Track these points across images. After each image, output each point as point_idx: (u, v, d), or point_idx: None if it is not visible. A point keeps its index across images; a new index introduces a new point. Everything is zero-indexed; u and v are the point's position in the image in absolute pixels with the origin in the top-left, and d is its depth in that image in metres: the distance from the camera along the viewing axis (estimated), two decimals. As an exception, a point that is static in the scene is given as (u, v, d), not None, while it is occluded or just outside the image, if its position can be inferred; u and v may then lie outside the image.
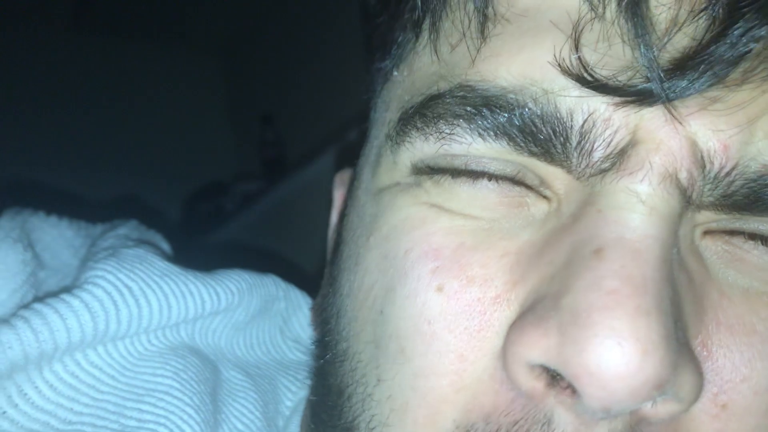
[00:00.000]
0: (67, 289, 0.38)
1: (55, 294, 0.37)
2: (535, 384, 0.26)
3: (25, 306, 0.36)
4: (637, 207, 0.26)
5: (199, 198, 1.91)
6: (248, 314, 0.44)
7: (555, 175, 0.29)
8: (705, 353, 0.27)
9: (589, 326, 0.24)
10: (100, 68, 2.05)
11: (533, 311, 0.26)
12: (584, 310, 0.24)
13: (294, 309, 0.49)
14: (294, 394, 0.46)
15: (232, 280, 0.43)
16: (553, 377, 0.26)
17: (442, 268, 0.29)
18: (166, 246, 0.48)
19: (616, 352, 0.23)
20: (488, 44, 0.30)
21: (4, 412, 0.34)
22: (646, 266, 0.25)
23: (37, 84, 1.91)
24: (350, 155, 0.45)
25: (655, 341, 0.24)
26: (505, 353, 0.27)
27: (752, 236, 0.28)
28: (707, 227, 0.28)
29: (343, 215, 0.40)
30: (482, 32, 0.30)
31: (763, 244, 0.28)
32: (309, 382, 0.43)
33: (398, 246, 0.31)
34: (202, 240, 1.59)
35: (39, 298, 0.38)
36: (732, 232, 0.28)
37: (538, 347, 0.25)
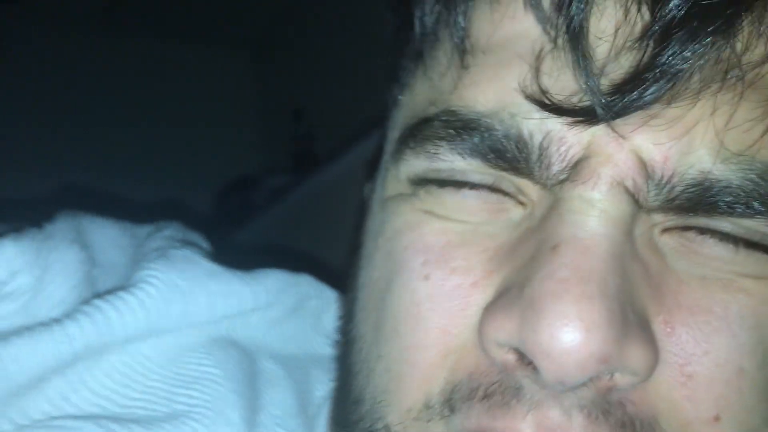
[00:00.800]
0: (121, 287, 0.41)
1: (110, 291, 0.41)
2: (506, 358, 0.30)
3: (85, 301, 0.39)
4: (589, 211, 0.30)
5: (229, 192, 1.94)
6: (284, 311, 0.48)
7: (526, 185, 0.33)
8: (668, 330, 0.30)
9: (541, 311, 0.28)
10: (133, 66, 2.09)
11: (502, 297, 0.31)
12: (539, 297, 0.29)
13: (326, 307, 0.52)
14: (324, 385, 0.48)
15: (271, 279, 0.46)
16: (521, 355, 0.30)
17: (430, 261, 0.34)
18: (207, 245, 0.51)
19: (563, 332, 0.28)
20: (468, 73, 0.34)
21: (67, 398, 0.37)
22: (593, 259, 0.29)
23: (69, 86, 1.96)
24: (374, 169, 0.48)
25: (596, 321, 0.28)
26: (479, 332, 0.31)
27: (702, 231, 0.32)
28: (664, 226, 0.32)
29: (361, 223, 0.44)
30: (462, 62, 0.35)
31: (711, 238, 0.32)
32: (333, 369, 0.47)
33: (398, 245, 0.36)
34: (232, 234, 1.62)
35: (95, 294, 0.41)
36: (685, 228, 0.32)
37: (503, 329, 0.30)
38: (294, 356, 0.49)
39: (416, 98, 0.38)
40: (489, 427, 0.31)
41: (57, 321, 0.38)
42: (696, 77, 0.29)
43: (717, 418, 0.30)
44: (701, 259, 0.32)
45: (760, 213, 0.30)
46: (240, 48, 2.36)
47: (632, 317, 0.29)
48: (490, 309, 0.31)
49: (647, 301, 0.30)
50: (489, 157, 0.33)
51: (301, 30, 2.09)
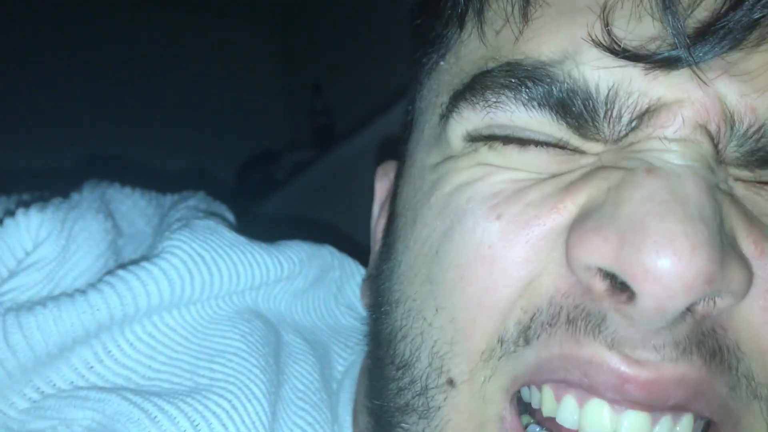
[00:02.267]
0: (145, 257, 0.41)
1: (134, 261, 0.41)
2: (594, 282, 0.29)
3: (109, 271, 0.40)
4: (672, 147, 0.30)
5: (250, 167, 1.95)
6: (306, 282, 0.48)
7: (591, 146, 0.32)
8: (757, 252, 0.30)
9: (645, 230, 0.27)
10: (159, 39, 2.09)
11: (591, 218, 0.29)
12: (641, 218, 0.28)
13: (347, 277, 0.52)
14: (345, 360, 0.49)
15: (294, 250, 0.46)
16: (611, 283, 0.29)
17: (502, 203, 0.32)
18: (230, 216, 0.51)
19: (669, 251, 0.26)
20: (530, 26, 0.33)
21: (92, 367, 0.37)
22: (688, 183, 0.28)
23: (97, 60, 1.97)
24: (390, 149, 0.47)
25: (701, 239, 0.27)
26: (567, 254, 0.30)
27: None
28: (737, 176, 0.31)
29: (394, 196, 0.43)
30: (525, 16, 0.33)
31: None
32: (363, 349, 0.47)
33: (460, 197, 0.34)
34: (253, 208, 1.63)
35: (120, 264, 0.41)
36: (760, 183, 0.31)
37: (598, 252, 0.28)
38: (315, 328, 0.49)
39: (465, 59, 0.37)
40: (573, 355, 0.29)
41: (81, 291, 0.38)
42: None
43: None
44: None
45: None
46: (262, 22, 2.35)
47: (727, 239, 0.29)
48: (579, 229, 0.30)
49: (736, 224, 0.30)
50: (557, 110, 0.32)
51: (322, 6, 2.08)
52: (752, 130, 0.29)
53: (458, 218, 0.33)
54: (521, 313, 0.31)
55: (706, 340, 0.29)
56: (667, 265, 0.26)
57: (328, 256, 0.50)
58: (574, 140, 0.32)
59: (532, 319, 0.31)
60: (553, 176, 0.32)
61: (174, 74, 2.10)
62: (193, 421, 0.37)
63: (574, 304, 0.30)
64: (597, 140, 0.32)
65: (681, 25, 0.29)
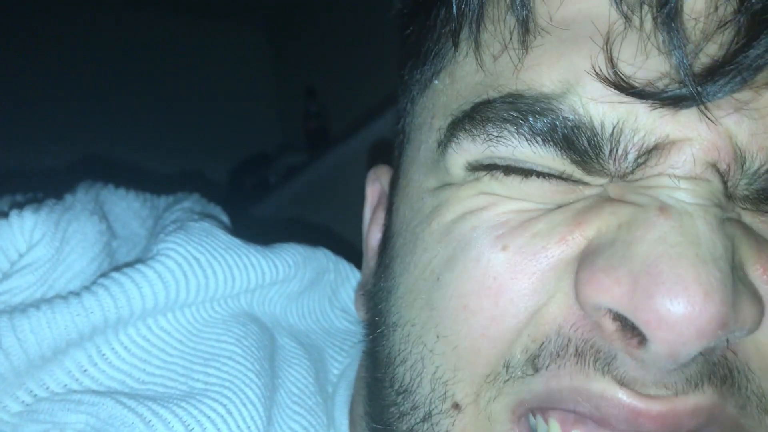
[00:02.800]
0: (140, 259, 0.41)
1: (128, 263, 0.40)
2: (603, 320, 0.29)
3: (104, 274, 0.39)
4: (682, 185, 0.29)
5: (244, 170, 1.94)
6: (302, 285, 0.47)
7: (596, 179, 0.31)
8: (765, 278, 0.29)
9: (659, 275, 0.27)
10: (150, 43, 2.09)
11: (602, 256, 0.29)
12: (654, 261, 0.27)
13: (342, 280, 0.52)
14: (340, 363, 0.49)
15: (289, 253, 0.46)
16: (621, 325, 0.28)
17: (508, 233, 0.32)
18: (226, 218, 0.51)
19: (682, 298, 0.26)
20: (530, 54, 0.32)
21: (86, 370, 0.37)
22: (699, 224, 0.28)
23: (90, 59, 1.97)
24: (382, 152, 0.47)
25: (714, 284, 0.26)
26: (576, 289, 0.29)
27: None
28: (744, 208, 0.31)
29: (390, 210, 0.42)
30: (524, 44, 0.32)
31: None
32: (360, 361, 0.46)
33: (464, 225, 0.33)
34: (247, 212, 1.63)
35: (114, 267, 0.41)
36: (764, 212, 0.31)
37: (609, 294, 0.28)
38: (310, 331, 0.49)
39: (462, 82, 0.35)
40: (583, 388, 0.29)
41: (75, 293, 0.37)
42: None
43: None
44: None
45: None
46: (256, 26, 2.35)
47: (739, 274, 0.28)
48: (590, 266, 0.29)
49: (744, 252, 0.29)
50: (560, 146, 0.31)
51: (314, 9, 2.08)
52: (763, 169, 0.29)
53: (462, 246, 0.33)
54: (529, 341, 0.31)
55: (717, 369, 0.29)
56: (681, 312, 0.26)
57: (323, 258, 0.49)
58: (578, 174, 0.31)
59: (540, 347, 0.30)
60: (559, 207, 0.32)
61: (168, 77, 2.10)
62: (188, 425, 0.36)
63: (583, 339, 0.29)
64: (602, 175, 0.31)
65: (689, 64, 0.28)
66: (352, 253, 0.53)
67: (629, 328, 0.28)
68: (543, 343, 0.30)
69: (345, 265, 0.52)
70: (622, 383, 0.28)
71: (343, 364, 0.48)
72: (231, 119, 2.15)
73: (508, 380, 0.31)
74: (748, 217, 0.31)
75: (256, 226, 0.54)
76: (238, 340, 0.42)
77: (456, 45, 0.36)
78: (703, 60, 0.28)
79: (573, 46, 0.31)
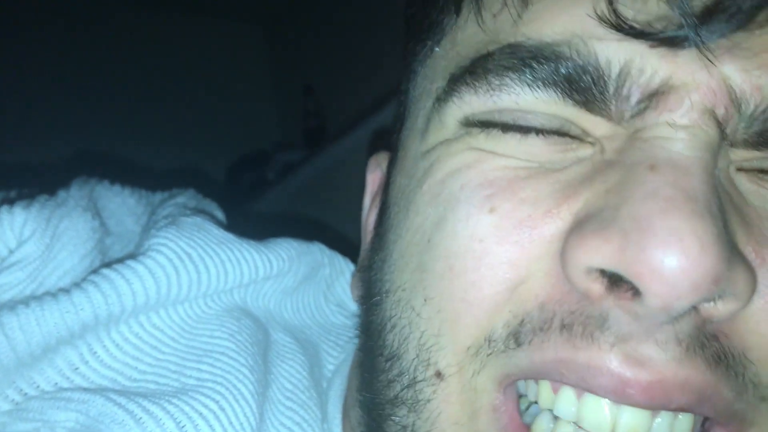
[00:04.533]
0: (132, 256, 0.40)
1: (120, 260, 0.40)
2: (592, 286, 0.28)
3: (94, 271, 0.39)
4: (679, 135, 0.28)
5: (241, 167, 1.94)
6: (296, 280, 0.47)
7: (596, 124, 0.31)
8: (758, 261, 0.29)
9: (650, 228, 0.26)
10: (149, 41, 2.08)
11: (592, 221, 0.28)
12: (645, 216, 0.26)
13: (337, 275, 0.52)
14: (335, 359, 0.48)
15: (283, 247, 0.46)
16: (612, 282, 0.28)
17: (496, 194, 0.31)
18: (220, 214, 0.51)
19: (676, 249, 0.25)
20: (529, 9, 0.32)
21: (77, 368, 0.37)
22: (694, 179, 0.27)
23: (88, 59, 1.96)
24: (382, 142, 0.46)
25: (710, 238, 0.26)
26: (563, 259, 0.29)
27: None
28: (740, 165, 0.30)
29: (386, 187, 0.42)
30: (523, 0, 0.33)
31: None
32: (354, 348, 0.46)
33: (453, 183, 0.33)
34: (245, 208, 1.62)
35: (106, 263, 0.40)
36: (762, 171, 0.31)
37: (599, 252, 0.27)
38: (305, 326, 0.49)
39: (462, 44, 0.35)
40: (569, 359, 0.28)
41: (65, 290, 0.37)
42: None
43: None
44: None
45: None
46: (253, 24, 2.35)
47: (731, 240, 0.28)
48: (578, 232, 0.29)
49: (736, 228, 0.29)
50: (563, 87, 0.31)
51: (312, 7, 2.07)
52: (759, 110, 0.29)
53: (451, 206, 0.33)
54: (510, 316, 0.30)
55: (710, 343, 0.28)
56: (675, 264, 0.25)
57: (318, 253, 0.49)
58: (581, 118, 0.31)
59: (521, 323, 0.30)
60: (548, 170, 0.31)
61: (166, 73, 2.10)
62: (179, 422, 0.36)
63: (570, 310, 0.29)
64: (603, 116, 0.31)
65: (687, 5, 0.28)
66: (349, 249, 0.53)
67: (622, 284, 0.27)
68: (524, 319, 0.30)
69: (340, 260, 0.52)
70: (614, 344, 0.28)
71: (338, 360, 0.48)
72: (229, 116, 2.15)
73: (491, 354, 0.30)
74: (744, 180, 0.31)
75: (252, 222, 0.54)
76: (231, 335, 0.41)
77: (458, 11, 0.36)
78: (701, 1, 0.28)
79: None
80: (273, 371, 0.43)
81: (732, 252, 0.27)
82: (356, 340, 0.45)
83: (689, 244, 0.25)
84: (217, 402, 0.38)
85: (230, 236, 0.43)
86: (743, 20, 0.28)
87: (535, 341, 0.29)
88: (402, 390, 0.34)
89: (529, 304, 0.30)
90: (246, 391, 0.39)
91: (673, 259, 0.25)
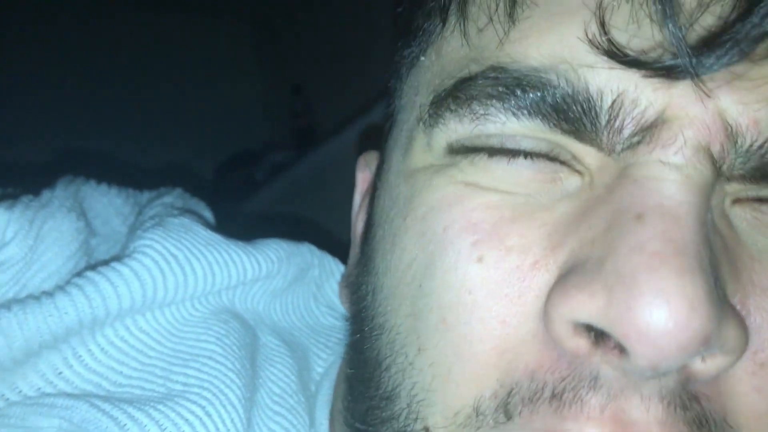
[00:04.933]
0: (117, 257, 0.40)
1: (106, 262, 0.39)
2: (580, 342, 0.27)
3: (79, 273, 0.38)
4: (672, 176, 0.27)
5: (229, 167, 1.93)
6: (285, 281, 0.47)
7: (586, 152, 0.30)
8: (744, 312, 0.27)
9: (636, 286, 0.25)
10: (136, 38, 2.07)
11: (576, 273, 0.27)
12: (630, 272, 0.25)
13: (327, 276, 0.51)
14: (324, 361, 0.48)
15: (272, 248, 0.45)
16: (599, 337, 0.26)
17: (482, 241, 0.30)
18: (209, 214, 0.50)
19: (663, 310, 0.24)
20: (517, 27, 0.31)
21: (60, 373, 0.36)
22: (685, 230, 0.26)
23: (76, 56, 1.95)
24: (373, 137, 0.46)
25: (700, 297, 0.24)
26: (548, 314, 0.27)
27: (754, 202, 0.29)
28: (736, 196, 0.29)
29: (372, 197, 0.41)
30: (511, 16, 0.31)
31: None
32: (343, 353, 0.45)
33: (436, 224, 0.32)
34: (232, 208, 1.61)
35: (91, 265, 0.40)
36: (760, 200, 0.29)
37: (584, 308, 0.26)
38: (294, 329, 0.48)
39: (447, 57, 0.34)
40: (559, 431, 0.27)
41: (48, 293, 0.36)
42: None
43: None
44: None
45: None
46: (240, 23, 2.34)
47: (722, 294, 0.26)
48: (561, 286, 0.27)
49: (727, 277, 0.27)
50: (550, 117, 0.29)
51: (301, 6, 2.07)
52: (756, 145, 0.27)
53: (438, 252, 0.31)
54: (497, 385, 0.29)
55: (691, 405, 0.27)
56: (662, 326, 0.24)
57: (307, 254, 0.49)
58: (570, 145, 0.30)
59: (510, 393, 0.28)
60: (535, 208, 0.30)
61: (154, 72, 2.08)
62: (164, 428, 0.35)
63: (561, 377, 0.27)
64: (594, 146, 0.29)
65: (683, 35, 0.27)
66: (339, 250, 0.52)
67: (608, 340, 0.26)
68: (512, 389, 0.28)
69: (330, 261, 0.51)
70: (606, 402, 0.26)
71: (328, 362, 0.48)
72: (217, 115, 2.13)
73: (480, 428, 0.29)
74: (739, 211, 0.29)
75: (241, 222, 0.53)
76: (219, 338, 0.41)
77: (444, 20, 0.35)
78: (699, 31, 0.27)
79: (563, 17, 0.29)
80: (261, 375, 0.42)
81: (722, 308, 0.25)
82: (345, 347, 0.44)
83: (677, 305, 0.24)
84: (203, 407, 0.37)
85: (218, 237, 0.43)
86: (743, 51, 0.27)
87: (525, 413, 0.28)
88: None
89: (518, 373, 0.28)
90: (233, 396, 0.38)
91: (660, 321, 0.24)
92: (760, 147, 0.27)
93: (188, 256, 0.40)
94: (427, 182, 0.33)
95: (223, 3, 2.22)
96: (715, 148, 0.27)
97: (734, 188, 0.29)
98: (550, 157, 0.30)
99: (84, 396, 0.36)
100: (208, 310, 0.42)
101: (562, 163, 0.30)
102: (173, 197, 0.48)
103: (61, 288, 0.37)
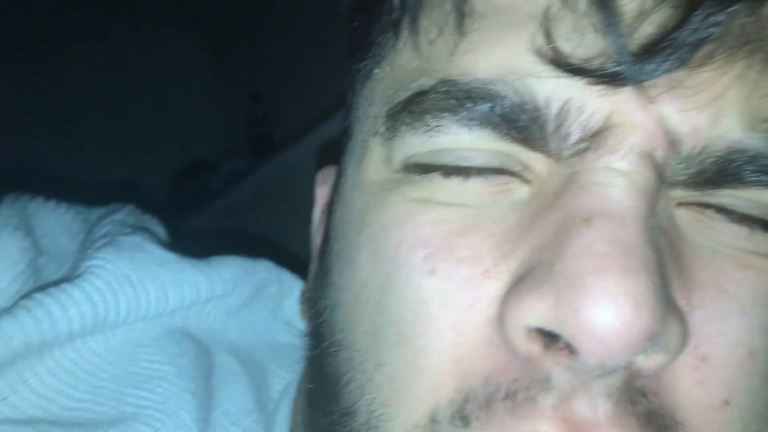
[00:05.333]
0: (67, 277, 0.39)
1: (55, 282, 0.38)
2: (532, 347, 0.27)
3: (26, 295, 0.37)
4: (618, 182, 0.28)
5: (185, 176, 1.90)
6: (241, 299, 0.46)
7: (536, 160, 0.30)
8: (688, 308, 0.28)
9: (582, 287, 0.25)
10: (89, 47, 2.02)
11: (527, 279, 0.28)
12: (577, 274, 0.26)
13: (286, 293, 0.50)
14: (283, 379, 0.47)
15: (228, 267, 0.44)
16: (550, 340, 0.27)
17: (433, 254, 0.30)
18: (162, 231, 0.49)
19: (610, 310, 0.25)
20: (466, 39, 0.31)
21: (5, 398, 0.35)
22: (631, 232, 0.27)
23: (23, 64, 1.89)
24: (332, 152, 0.46)
25: (645, 296, 0.25)
26: (501, 320, 0.28)
27: (719, 209, 0.30)
28: (680, 200, 0.30)
29: (330, 211, 0.41)
30: (460, 28, 0.32)
31: (727, 215, 0.30)
32: (301, 368, 0.45)
33: (388, 242, 0.32)
34: (188, 219, 1.59)
35: (40, 286, 0.39)
36: (703, 205, 0.30)
37: (534, 311, 0.27)
38: (251, 347, 0.47)
39: (399, 69, 0.35)
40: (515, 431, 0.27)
41: None
42: (725, 42, 0.28)
43: (726, 403, 0.29)
44: (715, 234, 0.30)
45: None
46: (197, 30, 2.31)
47: (667, 292, 0.27)
48: (514, 291, 0.28)
49: (673, 275, 0.28)
50: (500, 127, 0.30)
51: (258, 14, 2.06)
52: (695, 152, 0.28)
53: (393, 269, 0.32)
54: (453, 393, 0.29)
55: (639, 400, 0.27)
56: (608, 326, 0.25)
57: (265, 271, 0.48)
58: (520, 153, 0.31)
59: (466, 400, 0.29)
60: (485, 220, 0.31)
61: (106, 82, 2.04)
62: None
63: (515, 378, 0.28)
64: (543, 153, 0.30)
65: (624, 42, 0.28)
66: (297, 263, 0.52)
67: (558, 341, 0.27)
68: (468, 396, 0.29)
69: (288, 277, 0.50)
70: (558, 403, 0.27)
71: (286, 380, 0.47)
72: (172, 126, 2.10)
73: None
74: (683, 214, 0.30)
75: (197, 238, 0.52)
76: (172, 359, 0.40)
77: (397, 34, 0.35)
78: (640, 39, 0.28)
79: (510, 29, 0.30)
80: (217, 395, 0.42)
81: (667, 306, 0.26)
82: (304, 359, 0.44)
83: (623, 304, 0.25)
84: (156, 429, 0.36)
85: (172, 256, 0.42)
86: (683, 58, 0.28)
87: (482, 417, 0.28)
88: None
89: (473, 380, 0.29)
90: (188, 417, 0.38)
91: (606, 320, 0.25)
92: (700, 153, 0.28)
93: (141, 277, 0.40)
94: (381, 198, 0.34)
95: (178, 11, 2.19)
96: (659, 154, 0.28)
97: (678, 193, 0.30)
98: (502, 170, 0.31)
99: (31, 422, 0.35)
100: (161, 330, 0.41)
101: (513, 174, 0.31)
102: (124, 214, 0.47)
103: (7, 311, 0.35)
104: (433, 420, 0.29)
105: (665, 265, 0.28)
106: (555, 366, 0.27)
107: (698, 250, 0.30)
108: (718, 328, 0.29)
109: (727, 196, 0.30)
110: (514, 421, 0.27)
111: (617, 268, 0.25)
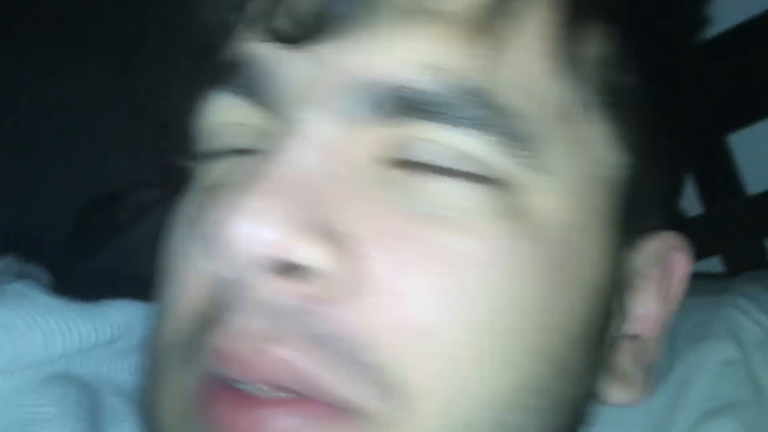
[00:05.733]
0: None
1: None
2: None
3: None
4: (300, 129, 0.33)
5: (90, 211, 1.84)
6: (131, 343, 0.46)
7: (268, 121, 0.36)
8: (363, 250, 0.32)
9: (221, 206, 0.31)
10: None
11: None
12: (227, 197, 0.32)
13: None
14: None
15: (120, 312, 0.45)
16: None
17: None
18: (47, 277, 0.49)
19: (234, 220, 0.30)
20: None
21: None
22: (288, 168, 0.32)
23: None
24: None
25: (271, 214, 0.30)
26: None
27: (427, 169, 0.33)
28: (386, 156, 0.34)
29: None
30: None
31: (435, 173, 0.33)
32: None
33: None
34: (93, 255, 1.54)
35: None
36: (410, 164, 0.33)
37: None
38: None
39: None
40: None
41: None
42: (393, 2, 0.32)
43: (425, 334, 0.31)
44: (426, 195, 0.33)
45: (473, 126, 0.32)
46: (107, 55, 2.25)
47: (319, 223, 0.31)
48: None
49: (340, 216, 0.32)
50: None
51: (170, 39, 2.02)
52: (369, 90, 0.32)
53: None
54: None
55: (298, 319, 0.31)
56: (231, 233, 0.30)
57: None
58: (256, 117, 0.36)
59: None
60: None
61: (12, 107, 1.94)
62: None
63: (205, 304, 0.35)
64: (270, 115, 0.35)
65: (289, 4, 0.33)
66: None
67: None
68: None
69: None
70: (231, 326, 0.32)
71: None
72: (77, 157, 2.03)
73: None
74: (394, 173, 0.33)
75: (95, 280, 0.52)
76: (56, 401, 0.40)
77: None
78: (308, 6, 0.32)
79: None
80: None
81: (304, 231, 0.31)
82: None
83: (247, 217, 0.30)
84: None
85: (58, 303, 0.42)
86: (353, 16, 0.32)
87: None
88: None
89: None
90: None
91: (230, 229, 0.30)
92: (372, 90, 0.32)
93: (27, 324, 0.40)
94: None
95: (86, 36, 2.13)
96: (334, 104, 0.33)
97: (373, 138, 0.33)
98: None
99: None
100: (44, 375, 0.41)
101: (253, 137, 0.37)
102: (5, 263, 0.47)
103: None
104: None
105: (333, 205, 0.32)
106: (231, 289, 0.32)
107: (402, 208, 0.33)
108: (404, 270, 0.32)
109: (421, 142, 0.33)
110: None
111: (254, 189, 0.31)
